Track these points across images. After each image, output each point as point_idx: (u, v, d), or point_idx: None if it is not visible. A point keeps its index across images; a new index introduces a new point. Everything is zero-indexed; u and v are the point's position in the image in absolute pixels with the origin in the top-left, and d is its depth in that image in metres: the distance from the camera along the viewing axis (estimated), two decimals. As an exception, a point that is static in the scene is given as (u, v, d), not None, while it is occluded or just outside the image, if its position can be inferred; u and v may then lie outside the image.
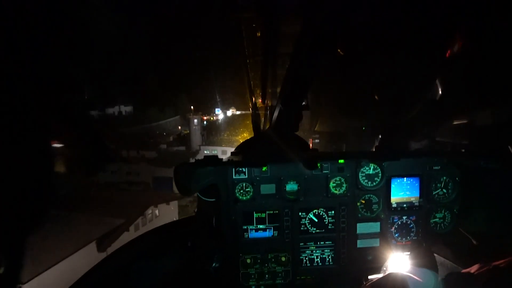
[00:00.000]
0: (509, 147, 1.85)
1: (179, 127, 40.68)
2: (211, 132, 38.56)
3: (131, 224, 18.08)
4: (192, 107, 39.26)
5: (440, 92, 2.04)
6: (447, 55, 1.90)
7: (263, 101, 2.32)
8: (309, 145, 2.15)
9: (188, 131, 38.03)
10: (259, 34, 1.96)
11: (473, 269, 1.46)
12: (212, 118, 39.88)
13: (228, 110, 35.95)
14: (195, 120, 36.88)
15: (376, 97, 2.25)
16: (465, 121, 2.23)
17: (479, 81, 1.90)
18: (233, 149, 2.30)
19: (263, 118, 2.58)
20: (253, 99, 2.43)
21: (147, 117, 41.75)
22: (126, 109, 43.85)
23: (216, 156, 1.98)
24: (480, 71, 1.86)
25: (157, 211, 21.52)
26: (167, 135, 39.86)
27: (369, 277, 1.97)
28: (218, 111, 37.84)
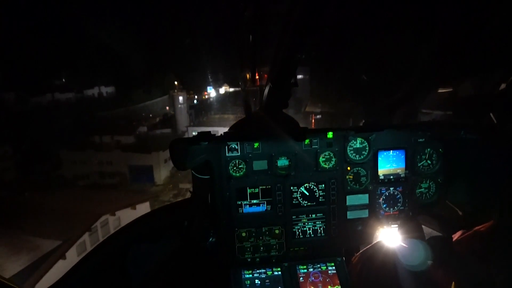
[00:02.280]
0: (491, 115, 2.06)
1: (167, 108, 39.50)
2: (201, 111, 37.16)
3: (71, 247, 13.37)
4: (176, 82, 36.12)
5: (425, 64, 2.23)
6: (432, 29, 2.08)
7: (253, 82, 2.49)
8: (299, 123, 2.35)
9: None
10: (247, 12, 2.09)
11: (457, 235, 1.70)
12: (204, 97, 39.21)
13: (221, 87, 35.41)
14: (180, 98, 34.34)
15: (364, 77, 2.44)
16: (450, 89, 2.43)
17: (461, 53, 2.09)
18: (224, 129, 2.50)
19: (254, 99, 2.77)
20: (245, 80, 2.61)
21: (132, 98, 40.52)
22: (107, 90, 42.70)
23: (209, 132, 2.18)
24: (463, 43, 2.04)
25: (116, 220, 16.52)
26: (153, 117, 38.56)
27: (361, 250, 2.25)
28: (210, 89, 36.98)
